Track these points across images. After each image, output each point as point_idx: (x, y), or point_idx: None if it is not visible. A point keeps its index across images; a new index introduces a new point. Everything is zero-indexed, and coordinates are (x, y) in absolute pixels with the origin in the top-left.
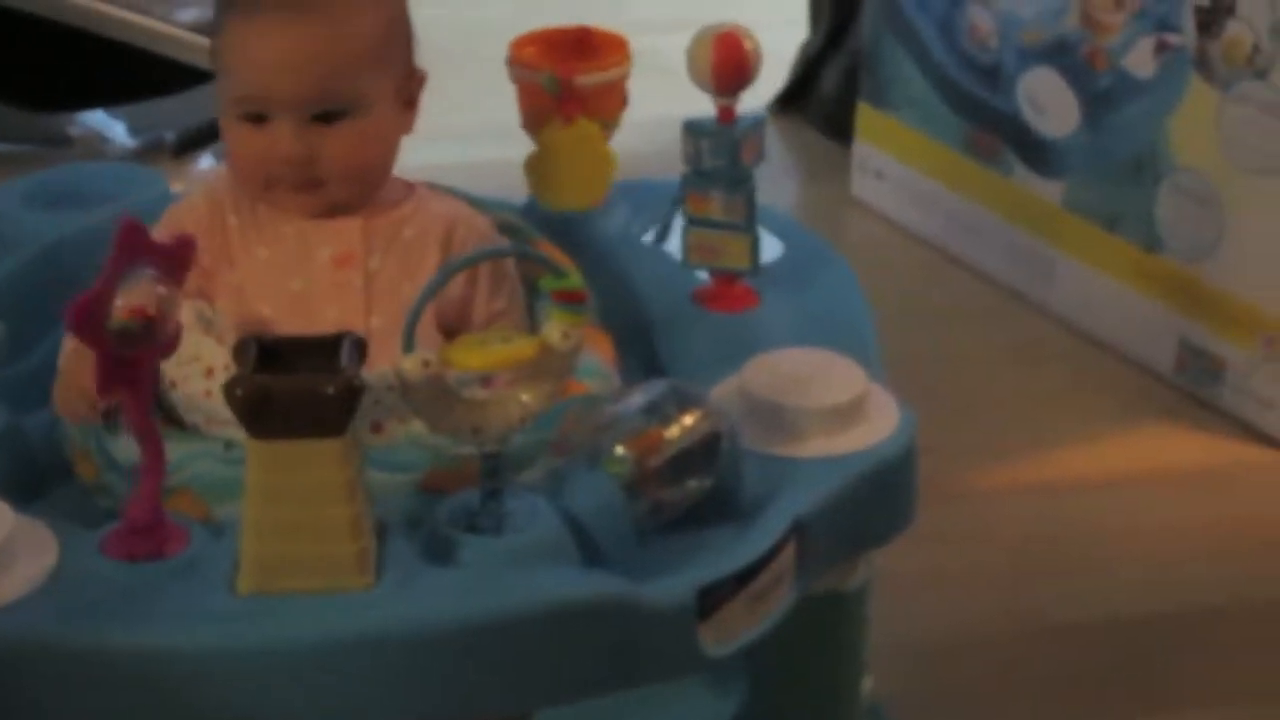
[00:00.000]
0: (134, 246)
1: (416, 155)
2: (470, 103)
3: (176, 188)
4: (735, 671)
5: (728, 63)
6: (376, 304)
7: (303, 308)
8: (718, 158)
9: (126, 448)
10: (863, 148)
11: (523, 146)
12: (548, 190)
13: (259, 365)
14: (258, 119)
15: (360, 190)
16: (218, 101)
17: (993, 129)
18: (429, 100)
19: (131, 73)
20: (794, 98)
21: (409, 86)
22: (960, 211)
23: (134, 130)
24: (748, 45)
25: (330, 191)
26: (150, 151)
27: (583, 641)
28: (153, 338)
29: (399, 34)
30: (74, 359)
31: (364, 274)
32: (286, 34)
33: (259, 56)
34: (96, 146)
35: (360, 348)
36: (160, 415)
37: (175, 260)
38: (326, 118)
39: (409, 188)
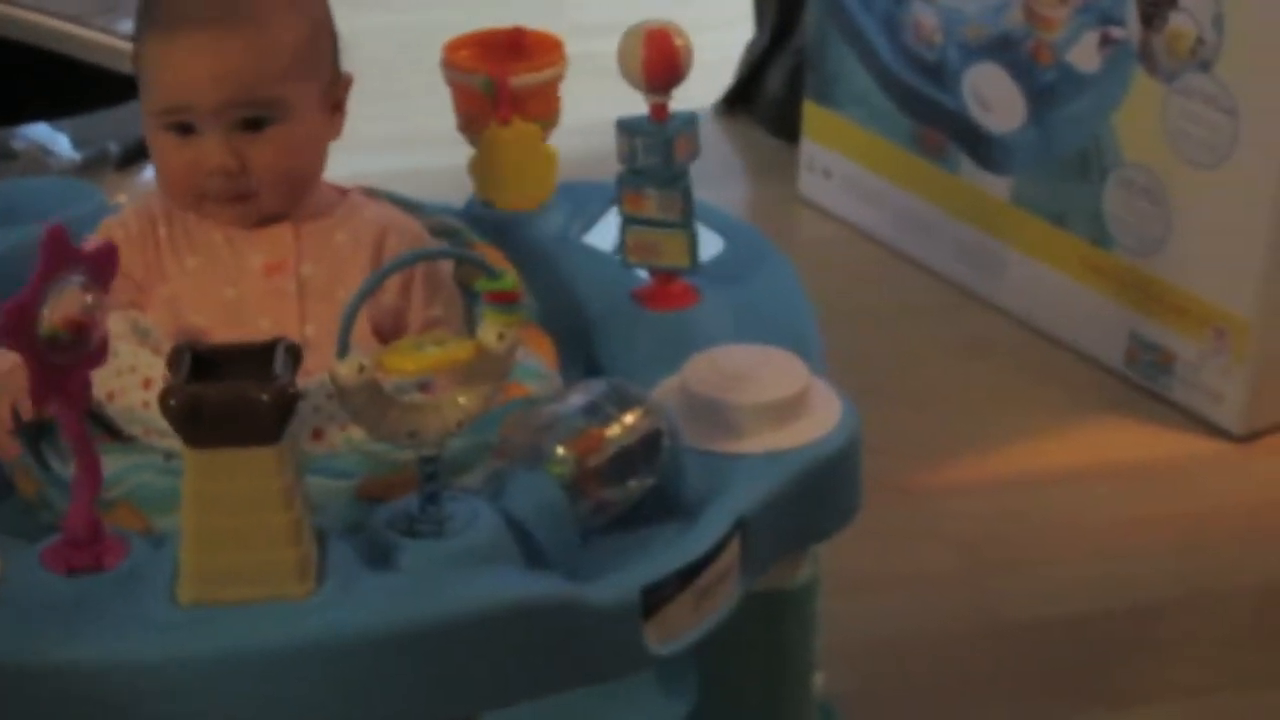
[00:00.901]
0: (59, 255)
1: (360, 163)
2: (413, 108)
3: (119, 199)
4: (687, 671)
5: (658, 60)
6: (310, 311)
7: (236, 316)
8: (651, 155)
9: (65, 461)
10: (810, 146)
11: (462, 150)
12: (493, 191)
13: (193, 374)
14: (183, 129)
15: (290, 197)
16: (142, 114)
17: (939, 126)
18: (374, 107)
19: (74, 85)
20: (740, 97)
21: (335, 91)
22: (908, 208)
23: (78, 143)
24: (678, 42)
25: (261, 201)
26: (95, 164)
27: (526, 642)
28: (83, 346)
29: (322, 40)
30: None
31: (296, 281)
32: (208, 45)
33: (181, 68)
34: (40, 160)
35: (294, 354)
36: (100, 429)
37: (100, 268)
38: (253, 125)
39: (341, 193)
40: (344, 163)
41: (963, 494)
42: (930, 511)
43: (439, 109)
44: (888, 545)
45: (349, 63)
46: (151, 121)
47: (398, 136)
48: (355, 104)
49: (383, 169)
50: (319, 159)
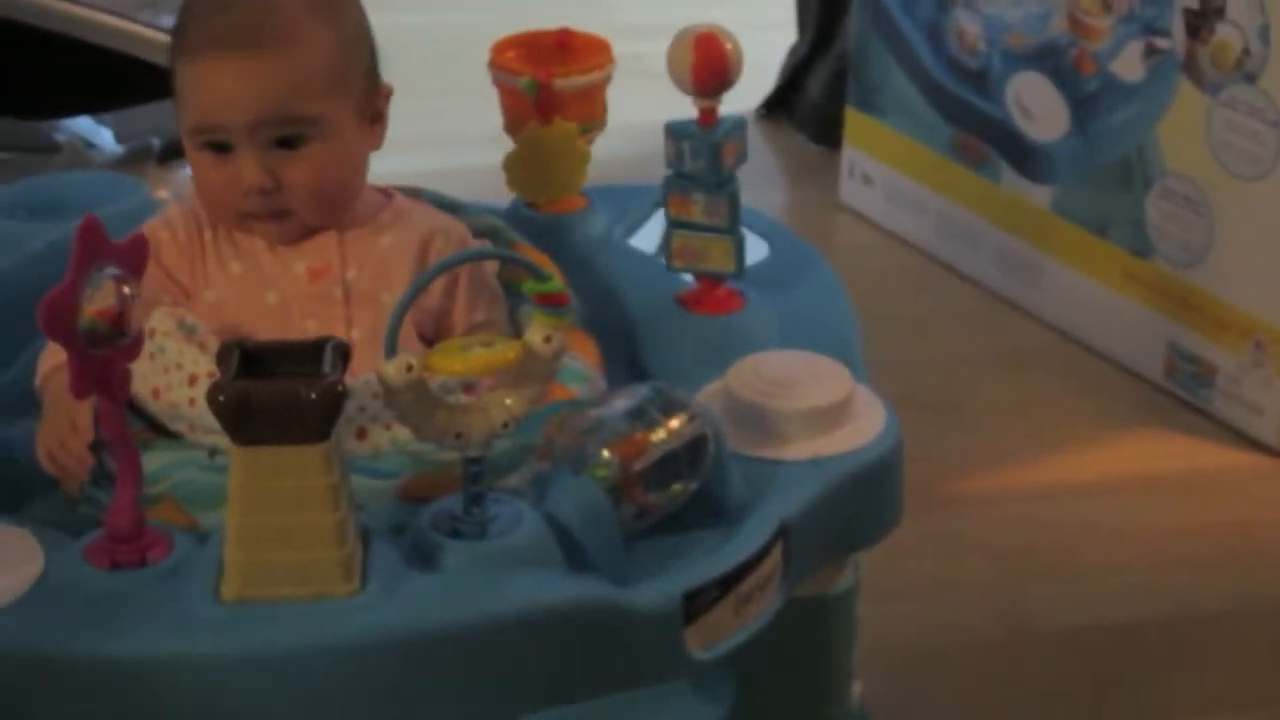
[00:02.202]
0: (94, 247)
1: (401, 162)
2: (449, 108)
3: (160, 195)
4: (724, 676)
5: (708, 64)
6: (355, 316)
7: (280, 321)
8: (699, 160)
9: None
10: (851, 152)
11: (507, 151)
12: (524, 191)
13: (241, 371)
14: (219, 148)
15: (330, 212)
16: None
17: (981, 134)
18: (413, 106)
19: (117, 79)
20: (781, 102)
21: (372, 104)
22: (949, 216)
23: (120, 136)
24: (728, 46)
25: (300, 218)
26: (137, 157)
27: (567, 645)
28: (120, 337)
29: (356, 54)
30: (52, 411)
31: (342, 286)
32: (240, 65)
33: (214, 88)
34: (83, 153)
35: (343, 353)
36: (144, 425)
37: (133, 260)
38: (288, 143)
39: (386, 196)
40: (380, 163)
41: (999, 503)
42: (966, 520)
43: (476, 109)
44: (923, 553)
45: (386, 62)
46: (188, 140)
47: (435, 137)
48: (392, 103)
49: (420, 169)
50: (357, 173)
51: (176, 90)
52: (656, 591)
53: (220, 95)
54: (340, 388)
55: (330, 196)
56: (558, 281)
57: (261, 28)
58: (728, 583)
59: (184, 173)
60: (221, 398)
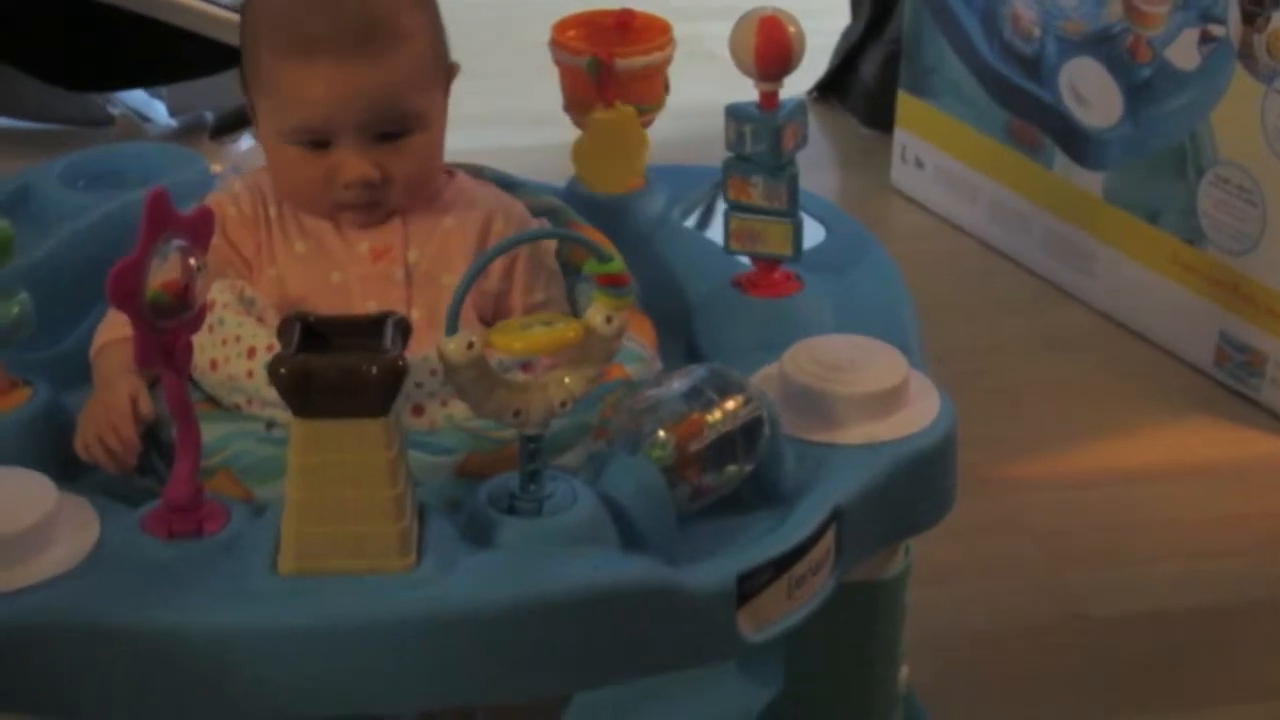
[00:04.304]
0: (161, 219)
1: (459, 140)
2: (513, 86)
3: (216, 169)
4: (772, 659)
5: (771, 47)
6: (416, 296)
7: (342, 300)
8: (759, 143)
9: (167, 425)
10: (903, 136)
11: (565, 130)
12: (588, 174)
13: (303, 345)
14: (317, 144)
15: (419, 196)
16: (259, 126)
17: (1034, 119)
18: (471, 84)
19: (172, 53)
20: (834, 85)
21: (449, 84)
22: (1000, 201)
23: (174, 110)
24: (791, 30)
25: (392, 205)
26: (190, 131)
27: (621, 624)
28: (185, 309)
29: (441, 39)
30: (103, 391)
31: (403, 266)
32: (349, 70)
33: (323, 93)
34: (136, 125)
35: (403, 329)
36: (202, 397)
37: (199, 233)
38: (390, 136)
39: (449, 175)
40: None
41: (1046, 489)
42: (1014, 505)
43: (535, 87)
44: (970, 538)
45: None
46: (280, 135)
47: (493, 115)
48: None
49: (478, 147)
50: (442, 155)
51: (269, 85)
52: (710, 572)
53: (331, 98)
54: (401, 363)
55: (425, 183)
56: (619, 262)
57: (367, 27)
58: (781, 565)
59: (238, 147)
60: (283, 370)
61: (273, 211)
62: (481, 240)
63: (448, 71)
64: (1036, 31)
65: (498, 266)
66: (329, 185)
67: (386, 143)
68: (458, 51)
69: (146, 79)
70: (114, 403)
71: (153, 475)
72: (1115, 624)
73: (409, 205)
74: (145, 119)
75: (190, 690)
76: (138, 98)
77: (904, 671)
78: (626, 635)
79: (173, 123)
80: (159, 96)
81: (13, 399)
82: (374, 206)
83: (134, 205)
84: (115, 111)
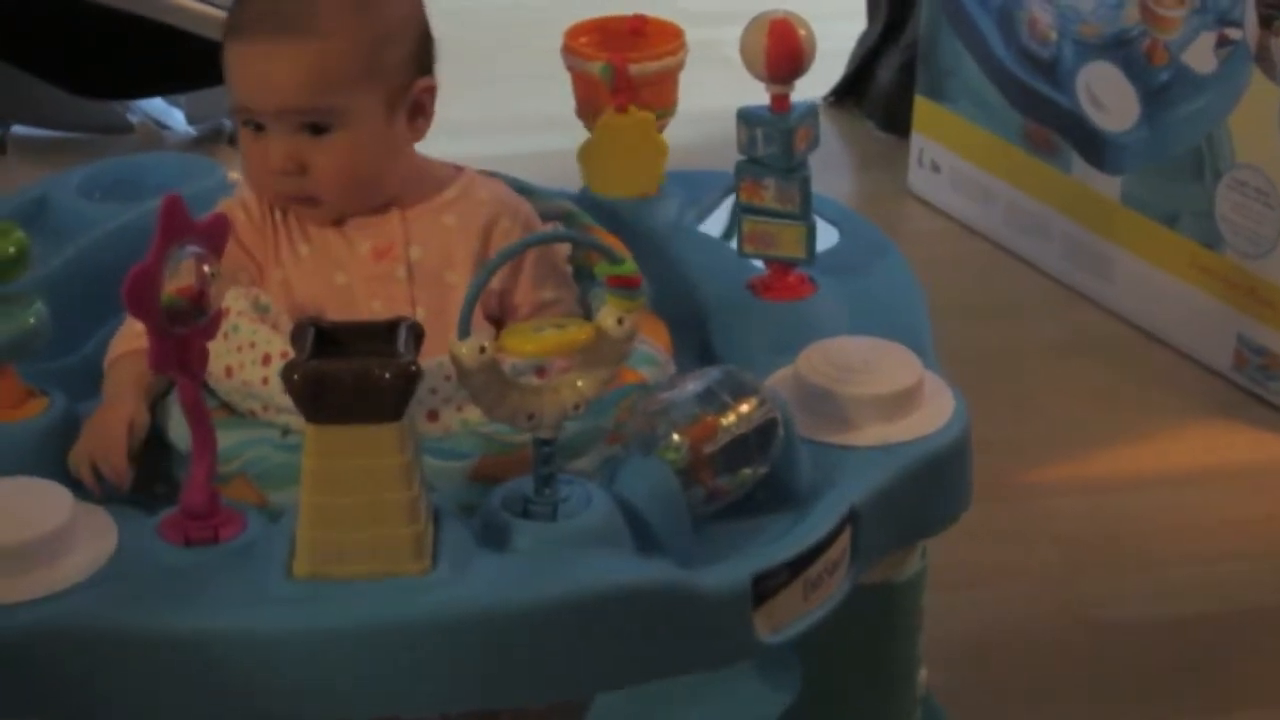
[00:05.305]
0: (176, 225)
1: (470, 146)
2: (525, 92)
3: (234, 177)
4: (790, 661)
5: (782, 50)
6: (419, 295)
7: (347, 301)
8: (771, 146)
9: (181, 434)
10: (920, 140)
11: (578, 135)
12: (600, 178)
13: (316, 351)
14: (257, 127)
15: (358, 200)
16: None
17: (1051, 123)
18: (483, 90)
19: (190, 60)
20: (851, 90)
21: (408, 96)
22: (1018, 205)
23: (192, 118)
24: (801, 33)
25: (327, 205)
26: (208, 139)
27: (636, 627)
28: (200, 315)
29: (391, 48)
30: (108, 408)
31: (405, 265)
32: (268, 53)
33: (245, 72)
34: (155, 134)
35: (416, 334)
36: (217, 403)
37: (214, 239)
38: (316, 129)
39: (456, 172)
40: (449, 147)
41: (1063, 493)
42: (1030, 510)
43: (546, 94)
44: (986, 542)
45: (455, 45)
46: (233, 116)
47: (504, 121)
48: (453, 87)
49: (490, 153)
50: (385, 164)
51: (223, 65)
52: (725, 574)
53: (251, 78)
54: (414, 368)
55: (355, 185)
56: (631, 264)
57: (292, 15)
58: (796, 567)
59: None
60: (296, 377)
61: (278, 216)
62: (485, 238)
63: (403, 84)
64: (1053, 35)
65: (505, 266)
66: (263, 171)
67: (311, 136)
68: (465, 57)
69: (165, 87)
70: (109, 428)
71: (164, 485)
72: (1133, 628)
73: (360, 208)
74: (164, 127)
75: (207, 695)
76: (156, 106)
77: (922, 674)
78: (642, 638)
79: (191, 131)
80: (178, 104)
81: (29, 408)
82: (309, 201)
83: (151, 215)
84: (134, 120)
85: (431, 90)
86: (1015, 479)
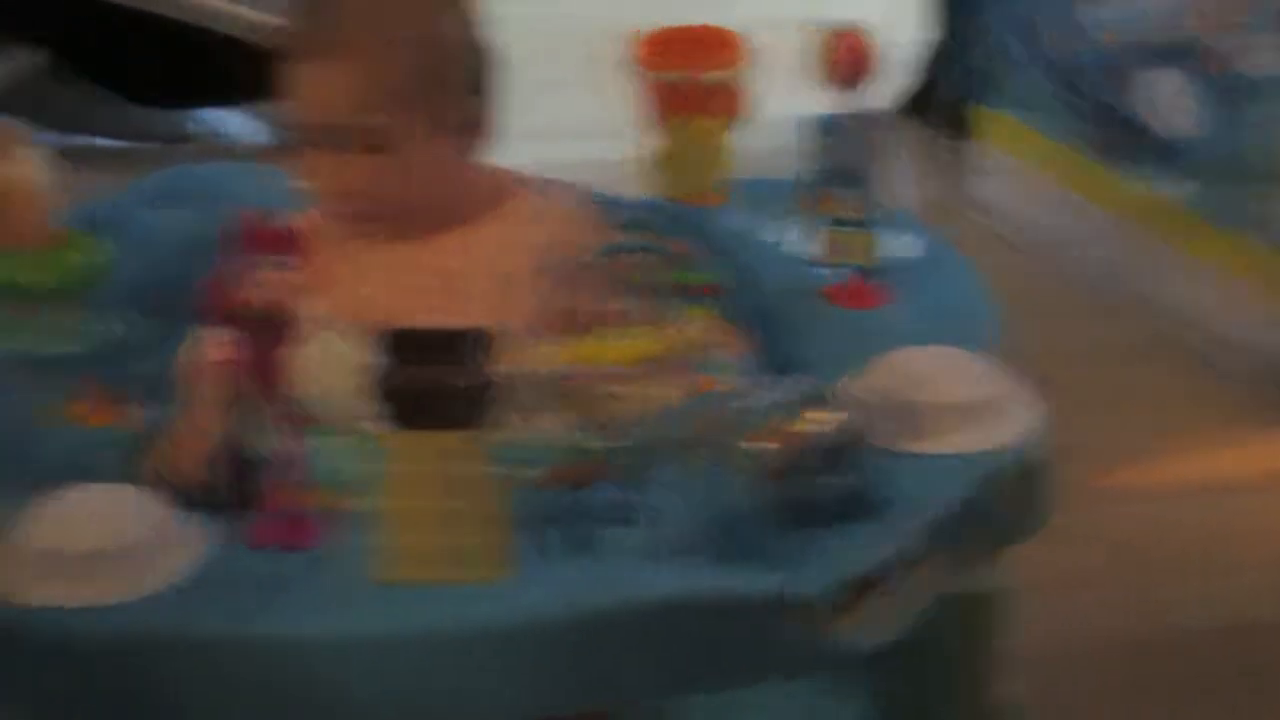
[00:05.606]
0: (253, 238)
1: (537, 153)
2: (594, 100)
3: (297, 186)
4: (868, 668)
5: (850, 60)
6: (489, 305)
7: (415, 312)
8: (840, 155)
9: (261, 441)
10: (984, 148)
11: (638, 144)
12: (667, 185)
13: (394, 360)
14: (313, 143)
15: (411, 217)
16: None
17: (1114, 130)
18: (548, 97)
19: (252, 71)
20: (916, 98)
21: (458, 118)
22: (1082, 211)
23: (256, 127)
24: (869, 43)
25: (381, 222)
26: (273, 149)
27: (715, 633)
28: (279, 326)
29: (440, 70)
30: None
31: (473, 277)
32: (315, 72)
33: (295, 88)
34: (216, 143)
35: (488, 343)
36: (295, 412)
37: (290, 251)
38: (366, 148)
39: (520, 185)
40: (516, 154)
41: (1130, 499)
42: (1098, 515)
43: (611, 102)
44: (1053, 548)
45: (521, 53)
46: (291, 130)
47: (570, 128)
48: (513, 95)
49: (556, 160)
50: (437, 183)
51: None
52: (802, 583)
53: (302, 94)
54: (491, 378)
55: (406, 203)
56: (707, 274)
57: (342, 35)
58: (877, 575)
59: None
60: (376, 386)
61: (346, 230)
62: (550, 251)
63: (454, 104)
64: (1117, 42)
65: (577, 278)
66: (318, 186)
67: (362, 154)
68: (531, 65)
69: (226, 98)
70: (189, 435)
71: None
72: (1201, 636)
73: (414, 229)
74: (227, 136)
75: (290, 698)
76: (220, 115)
77: (1000, 681)
78: (719, 644)
79: (255, 140)
80: (238, 114)
81: (113, 415)
82: (361, 218)
83: (222, 223)
84: (196, 129)
85: (486, 112)
86: (1087, 486)
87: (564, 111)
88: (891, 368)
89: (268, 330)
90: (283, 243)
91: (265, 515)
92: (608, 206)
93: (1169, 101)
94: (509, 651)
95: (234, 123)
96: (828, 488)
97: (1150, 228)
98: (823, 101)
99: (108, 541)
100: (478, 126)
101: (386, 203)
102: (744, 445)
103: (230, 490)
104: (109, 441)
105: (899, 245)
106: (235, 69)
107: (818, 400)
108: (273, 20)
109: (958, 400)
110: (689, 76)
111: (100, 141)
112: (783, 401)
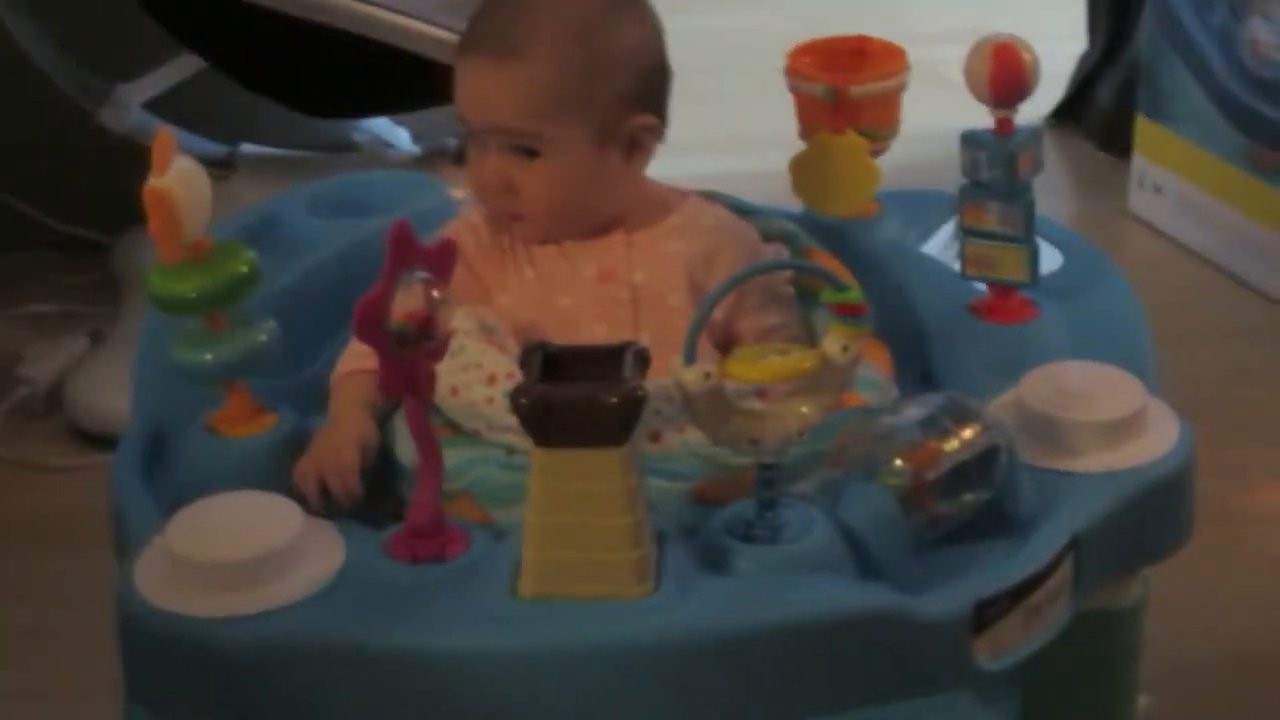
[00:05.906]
0: (405, 250)
1: (694, 164)
2: (749, 112)
3: (458, 194)
4: (1009, 687)
5: (1006, 74)
6: (643, 318)
7: (571, 324)
8: (995, 169)
9: (408, 452)
10: (1141, 162)
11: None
12: (808, 194)
13: (544, 375)
14: (479, 141)
15: (564, 225)
16: None
17: (1273, 144)
18: (708, 109)
19: (416, 81)
20: (1071, 110)
21: (623, 131)
22: (1240, 228)
23: (417, 137)
24: (1026, 57)
25: (534, 226)
26: (433, 158)
27: (856, 652)
28: (428, 340)
29: (603, 81)
30: (334, 425)
31: (629, 289)
32: (479, 71)
33: (463, 89)
34: (380, 153)
35: (643, 359)
36: (442, 422)
37: (442, 264)
38: (526, 152)
39: (681, 197)
40: (674, 165)
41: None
42: (1252, 535)
43: (770, 114)
44: (1204, 568)
45: (681, 64)
46: (460, 127)
47: (728, 140)
48: (682, 106)
49: (713, 172)
50: (594, 195)
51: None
52: (946, 601)
53: (469, 93)
54: (640, 393)
55: (559, 211)
56: (856, 291)
57: (512, 38)
58: (1018, 594)
59: None
60: (524, 401)
61: (505, 239)
62: (708, 264)
63: (616, 118)
64: (1276, 56)
65: (733, 293)
66: (475, 185)
67: (521, 157)
68: (692, 77)
69: (389, 107)
70: (339, 445)
71: (390, 502)
72: None
73: (564, 235)
74: (389, 146)
75: (428, 713)
76: (381, 125)
77: (1142, 701)
78: (861, 663)
79: (416, 150)
80: (402, 123)
81: (259, 424)
82: (515, 219)
83: (378, 233)
84: (359, 139)
85: (652, 128)
86: (1233, 504)
87: (724, 123)
88: (1041, 384)
89: (417, 341)
90: (435, 254)
91: (408, 526)
92: (756, 218)
93: None
94: (651, 670)
95: (398, 133)
96: (974, 505)
97: None
98: (979, 114)
99: (251, 551)
100: (643, 146)
101: (542, 208)
102: (891, 462)
103: (374, 501)
104: (255, 451)
105: (1051, 259)
106: (399, 80)
107: (966, 418)
108: (435, 31)
109: (1107, 418)
110: (840, 88)
111: (267, 150)
112: (931, 419)
